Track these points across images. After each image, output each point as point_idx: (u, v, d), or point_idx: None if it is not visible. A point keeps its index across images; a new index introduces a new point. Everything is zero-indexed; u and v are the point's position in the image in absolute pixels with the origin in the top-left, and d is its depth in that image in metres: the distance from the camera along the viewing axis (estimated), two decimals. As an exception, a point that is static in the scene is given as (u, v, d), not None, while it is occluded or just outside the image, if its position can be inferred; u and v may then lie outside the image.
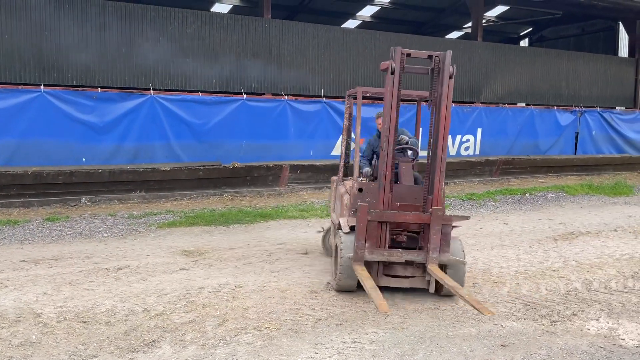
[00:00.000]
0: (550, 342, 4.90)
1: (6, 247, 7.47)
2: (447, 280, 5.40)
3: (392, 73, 5.67)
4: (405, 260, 5.54)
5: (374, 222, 5.54)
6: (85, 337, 4.61)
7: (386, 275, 5.70)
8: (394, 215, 5.59)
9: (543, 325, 5.32)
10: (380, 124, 6.50)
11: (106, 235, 8.19)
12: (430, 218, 5.50)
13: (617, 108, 18.13)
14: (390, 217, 5.58)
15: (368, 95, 7.09)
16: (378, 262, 5.62)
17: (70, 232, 8.19)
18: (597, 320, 5.51)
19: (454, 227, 5.72)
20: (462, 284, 5.62)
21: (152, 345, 4.50)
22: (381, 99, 6.06)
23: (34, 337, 4.59)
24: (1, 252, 7.19)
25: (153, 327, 4.83)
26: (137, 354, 4.34)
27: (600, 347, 4.86)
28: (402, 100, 6.07)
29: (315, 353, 4.46)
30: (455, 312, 5.45)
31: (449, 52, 5.67)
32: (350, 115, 7.11)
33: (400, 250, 5.60)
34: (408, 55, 5.73)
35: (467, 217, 5.61)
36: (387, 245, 5.64)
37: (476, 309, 4.87)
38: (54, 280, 6.03)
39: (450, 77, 5.64)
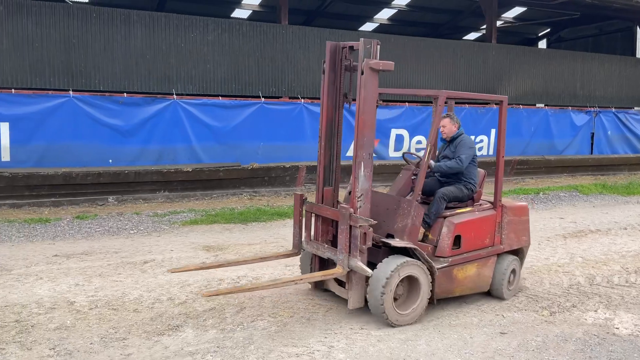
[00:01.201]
0: (547, 331, 5.21)
1: (39, 243, 7.97)
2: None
3: (324, 73, 5.49)
4: (327, 257, 5.35)
5: (309, 214, 5.61)
6: (115, 322, 5.05)
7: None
8: (319, 209, 5.49)
9: (542, 315, 5.63)
10: (441, 129, 6.10)
11: (132, 232, 8.66)
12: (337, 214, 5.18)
13: (635, 108, 18.17)
14: (317, 210, 5.52)
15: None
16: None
17: (98, 229, 8.68)
18: (595, 311, 5.80)
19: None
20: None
21: (176, 329, 4.92)
22: (413, 101, 6.25)
23: (68, 322, 5.04)
24: (35, 247, 7.69)
25: (177, 314, 5.25)
26: (162, 337, 4.77)
27: (594, 335, 5.16)
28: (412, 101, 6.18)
29: (325, 338, 4.84)
30: (459, 304, 5.77)
31: (365, 42, 5.04)
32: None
33: (326, 245, 5.45)
34: (349, 48, 5.38)
35: (372, 222, 5.00)
36: (326, 241, 5.51)
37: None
38: (84, 272, 6.50)
39: (373, 71, 5.01)
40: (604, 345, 4.93)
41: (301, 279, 5.31)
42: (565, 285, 6.64)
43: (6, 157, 9.96)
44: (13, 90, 10.15)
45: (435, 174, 6.04)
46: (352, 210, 5.02)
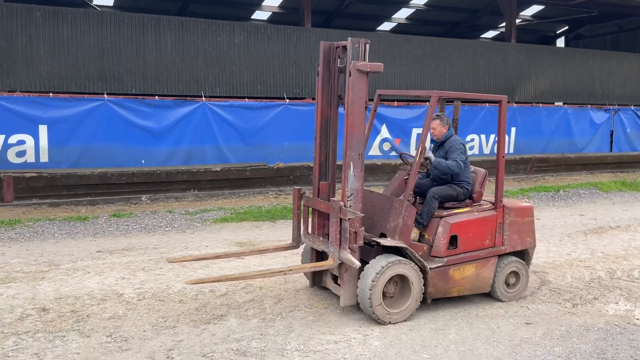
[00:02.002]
0: (570, 321, 5.48)
1: (81, 239, 8.39)
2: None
3: (318, 75, 5.54)
4: (321, 250, 5.49)
5: (307, 208, 5.75)
6: (163, 312, 5.42)
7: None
8: (315, 202, 5.61)
9: (565, 307, 5.89)
10: (431, 130, 6.17)
11: (167, 229, 9.06)
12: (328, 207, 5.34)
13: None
14: (312, 204, 5.65)
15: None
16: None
17: (135, 227, 9.09)
18: (616, 303, 6.05)
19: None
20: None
21: (220, 318, 5.28)
22: (408, 100, 6.39)
23: (120, 312, 5.42)
24: (78, 243, 8.12)
25: (219, 305, 5.61)
26: (209, 325, 5.12)
27: (616, 325, 5.42)
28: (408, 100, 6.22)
29: (360, 327, 5.16)
30: (485, 297, 6.04)
31: (353, 41, 5.12)
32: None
33: (321, 238, 5.55)
34: (342, 47, 5.41)
35: (360, 214, 5.13)
36: (322, 235, 5.61)
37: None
38: (128, 267, 6.89)
39: (361, 73, 5.08)
40: (625, 335, 5.18)
41: (290, 270, 5.49)
42: (587, 279, 6.88)
43: (45, 159, 10.42)
44: (51, 94, 10.61)
45: (430, 174, 6.08)
46: (342, 203, 5.12)
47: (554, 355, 4.70)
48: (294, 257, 7.32)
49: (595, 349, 4.84)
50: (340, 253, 5.15)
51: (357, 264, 5.07)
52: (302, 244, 5.91)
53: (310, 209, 5.77)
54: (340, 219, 5.12)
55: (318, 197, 5.65)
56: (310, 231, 5.77)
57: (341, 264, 5.26)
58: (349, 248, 5.07)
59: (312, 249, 5.80)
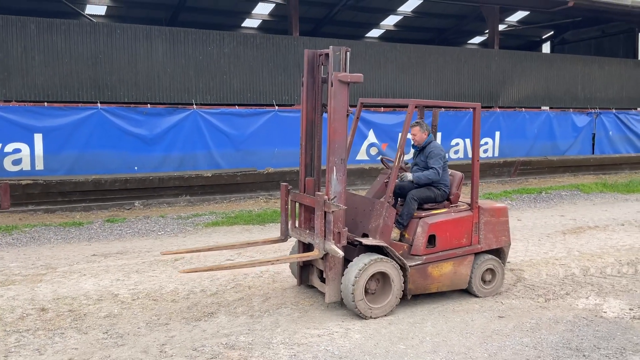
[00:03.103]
0: (541, 315, 5.82)
1: (76, 244, 8.67)
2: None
3: (303, 85, 5.85)
4: (308, 242, 5.77)
5: (294, 203, 6.07)
6: (156, 310, 5.72)
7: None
8: (301, 197, 5.91)
9: (538, 302, 6.24)
10: (412, 136, 6.52)
11: (160, 233, 9.35)
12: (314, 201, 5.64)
13: (638, 109, 18.66)
14: (299, 198, 5.95)
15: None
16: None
17: (129, 231, 9.38)
18: (586, 298, 6.39)
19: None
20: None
21: (211, 315, 5.59)
22: (390, 106, 6.67)
23: (115, 311, 5.72)
24: (73, 248, 8.40)
25: (210, 303, 5.92)
26: (200, 322, 5.43)
27: (584, 317, 5.76)
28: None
29: (342, 322, 5.48)
30: (462, 293, 6.37)
31: (335, 49, 5.40)
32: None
33: (307, 231, 5.84)
34: (325, 55, 5.67)
35: (343, 207, 5.46)
36: (308, 228, 5.89)
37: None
38: (122, 269, 7.18)
39: (342, 83, 5.38)
40: (591, 326, 5.53)
41: (278, 260, 5.85)
42: (561, 276, 7.23)
43: (40, 166, 10.70)
44: (45, 103, 10.90)
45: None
46: (326, 197, 5.43)
47: (522, 345, 5.03)
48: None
49: (561, 339, 5.18)
50: (325, 244, 5.47)
51: (341, 253, 5.40)
52: (290, 237, 6.22)
53: (297, 204, 6.09)
54: (325, 212, 5.44)
55: (304, 192, 5.97)
56: (297, 225, 6.10)
57: (326, 261, 5.58)
58: (333, 234, 5.39)
59: (299, 242, 6.11)
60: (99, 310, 5.72)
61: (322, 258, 5.68)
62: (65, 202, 10.59)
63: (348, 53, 5.49)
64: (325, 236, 5.47)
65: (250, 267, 5.97)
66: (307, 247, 6.00)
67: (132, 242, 8.74)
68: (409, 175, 6.17)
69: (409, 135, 6.41)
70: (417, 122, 6.49)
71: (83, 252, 8.09)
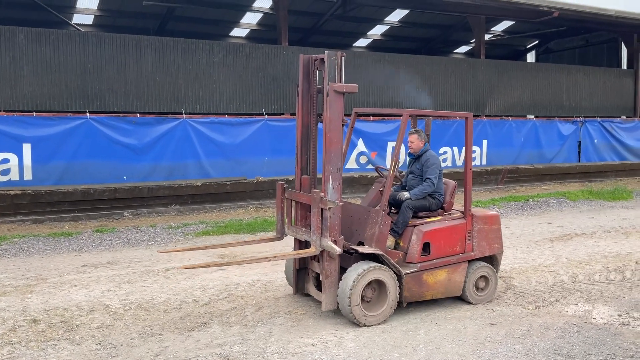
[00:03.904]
0: (532, 322, 5.89)
1: (66, 254, 8.62)
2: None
3: (298, 95, 5.92)
4: (304, 240, 5.84)
5: (290, 201, 6.12)
6: (149, 321, 5.71)
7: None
8: (297, 195, 5.98)
9: (528, 309, 6.31)
10: (409, 143, 6.60)
11: (150, 243, 9.32)
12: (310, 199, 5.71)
13: (622, 117, 18.94)
14: (295, 196, 6.02)
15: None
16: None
17: (118, 242, 9.33)
18: (575, 305, 6.48)
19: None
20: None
21: (204, 325, 5.59)
22: (384, 115, 6.70)
23: (108, 321, 5.70)
24: (63, 258, 8.34)
25: (203, 313, 5.91)
26: (193, 332, 5.43)
27: (574, 324, 5.84)
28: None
29: (336, 330, 5.51)
30: (453, 300, 6.43)
31: (330, 54, 5.47)
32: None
33: (304, 229, 5.90)
34: (320, 60, 5.74)
35: (339, 203, 5.54)
36: (304, 225, 5.93)
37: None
38: (113, 280, 7.15)
39: (338, 93, 5.48)
40: (581, 332, 5.60)
41: (275, 257, 5.84)
42: (550, 283, 7.31)
43: (29, 176, 10.62)
44: (34, 113, 10.83)
45: (404, 185, 6.54)
46: (322, 194, 5.49)
47: (514, 352, 5.09)
48: (274, 267, 7.67)
49: (552, 346, 5.24)
50: (321, 241, 5.52)
51: (338, 249, 5.48)
52: (286, 235, 6.24)
53: (293, 203, 6.12)
54: (321, 209, 5.50)
55: (300, 190, 6.02)
56: (293, 223, 6.13)
57: (323, 268, 5.62)
58: (329, 231, 5.43)
59: (295, 240, 6.15)
60: (91, 321, 5.69)
61: (317, 260, 5.73)
62: (54, 213, 10.51)
63: (343, 58, 5.57)
64: (321, 233, 5.52)
65: (248, 263, 5.95)
66: (303, 246, 6.02)
67: (122, 253, 8.70)
68: (406, 194, 6.22)
69: (404, 143, 6.49)
70: (415, 130, 6.59)
71: (73, 263, 8.04)
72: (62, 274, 7.43)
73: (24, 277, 7.27)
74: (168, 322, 5.69)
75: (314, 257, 6.03)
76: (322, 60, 5.64)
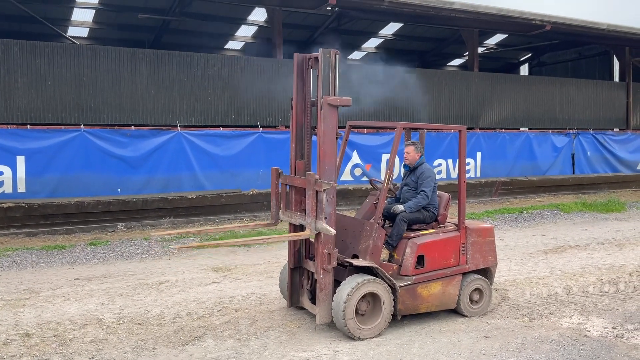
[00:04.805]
0: (526, 334, 5.88)
1: (59, 268, 8.57)
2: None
3: (292, 109, 5.96)
4: (299, 224, 5.80)
5: (285, 186, 6.11)
6: (142, 335, 5.67)
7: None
8: (292, 179, 5.95)
9: (523, 322, 6.30)
10: (405, 154, 6.62)
11: (144, 256, 9.28)
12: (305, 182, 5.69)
13: (614, 129, 19.08)
14: (290, 181, 5.99)
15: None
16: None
17: (112, 254, 9.30)
18: (570, 317, 6.48)
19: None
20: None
21: (198, 339, 5.56)
22: (378, 128, 6.65)
23: (101, 335, 5.66)
24: (56, 272, 8.30)
25: (197, 327, 5.88)
26: (187, 346, 5.40)
27: (568, 337, 5.83)
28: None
29: (330, 344, 5.49)
30: (448, 313, 6.42)
31: (324, 51, 5.45)
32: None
33: (299, 213, 5.87)
34: (314, 59, 5.75)
35: (334, 184, 5.53)
36: (299, 210, 5.91)
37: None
38: (107, 293, 7.11)
39: (332, 106, 5.49)
40: (576, 345, 5.60)
41: (269, 238, 5.85)
42: (545, 295, 7.31)
43: (22, 189, 10.59)
44: (28, 125, 10.82)
45: (399, 198, 6.55)
46: (317, 177, 5.46)
47: (509, 365, 5.08)
48: (269, 281, 7.65)
49: (547, 359, 5.24)
50: (316, 223, 5.48)
51: (333, 231, 5.44)
52: (281, 220, 6.19)
53: (287, 189, 6.10)
54: (316, 192, 5.47)
55: (295, 174, 5.99)
56: (287, 208, 6.10)
57: (316, 251, 5.58)
58: (324, 214, 5.41)
59: (290, 225, 6.09)
60: (84, 335, 5.65)
61: (312, 259, 5.72)
62: (47, 225, 10.47)
63: (337, 56, 5.57)
64: (316, 216, 5.47)
65: (242, 245, 5.91)
66: (297, 230, 5.97)
67: (115, 266, 8.66)
68: (400, 207, 6.22)
69: (398, 155, 6.52)
70: (412, 142, 6.62)
71: (66, 276, 7.99)
72: (55, 287, 7.38)
73: (16, 290, 7.22)
74: (162, 336, 5.65)
75: (308, 257, 6.05)
76: (316, 59, 5.63)
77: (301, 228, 5.82)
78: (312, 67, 5.94)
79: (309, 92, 6.05)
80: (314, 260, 5.83)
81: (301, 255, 6.17)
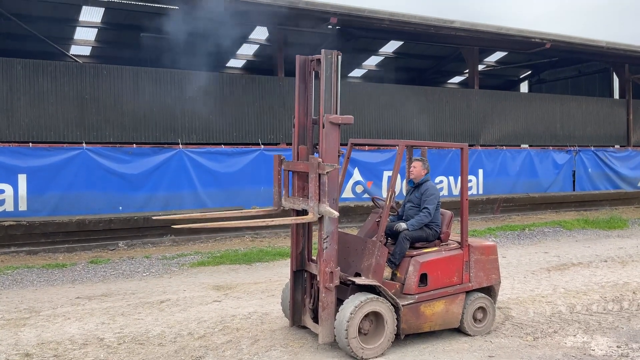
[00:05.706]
0: (531, 353, 5.83)
1: (59, 286, 8.53)
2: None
3: (294, 126, 5.96)
4: (302, 209, 5.75)
5: (287, 173, 6.02)
6: (143, 355, 5.63)
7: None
8: (294, 165, 5.88)
9: (527, 340, 6.25)
10: (411, 169, 6.65)
11: (145, 274, 9.24)
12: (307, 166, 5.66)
13: (615, 146, 19.10)
14: (292, 166, 5.92)
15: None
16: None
17: (113, 273, 9.25)
18: (574, 336, 6.42)
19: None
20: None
21: (198, 359, 5.50)
22: (381, 146, 6.66)
23: (102, 355, 5.61)
24: (57, 290, 8.25)
25: (198, 347, 5.83)
26: (188, 366, 5.35)
27: (573, 356, 5.78)
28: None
29: (333, 364, 5.44)
30: (451, 332, 6.37)
31: (326, 52, 5.48)
32: None
33: (301, 198, 5.84)
34: (316, 60, 5.76)
35: (337, 166, 5.50)
36: (302, 195, 5.88)
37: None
38: (107, 312, 7.06)
39: (333, 125, 5.52)
40: (581, 365, 5.55)
41: (272, 221, 5.71)
42: (548, 313, 7.26)
43: (23, 207, 10.59)
44: (30, 144, 10.86)
45: (401, 216, 6.54)
46: (320, 160, 5.44)
47: (513, 385, 5.02)
48: (270, 299, 7.61)
49: (552, 379, 5.19)
50: (319, 207, 5.44)
51: (336, 213, 5.42)
52: (283, 207, 6.11)
53: (290, 175, 6.03)
54: (319, 175, 5.44)
55: (297, 160, 5.95)
56: (290, 194, 6.05)
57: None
58: (327, 197, 5.39)
59: (292, 212, 6.02)
60: (85, 355, 5.60)
61: (314, 262, 5.68)
62: (48, 244, 10.45)
63: (339, 57, 5.59)
64: (319, 199, 5.44)
65: (244, 225, 5.88)
66: (300, 215, 5.88)
67: (116, 284, 8.62)
68: (403, 225, 6.20)
69: (400, 173, 6.51)
70: (421, 159, 6.62)
71: (67, 295, 7.95)
72: (56, 306, 7.34)
73: (17, 309, 7.18)
74: (163, 355, 5.61)
75: (310, 259, 6.02)
76: (319, 60, 5.65)
77: (304, 213, 5.77)
78: (314, 69, 5.96)
79: (311, 104, 6.03)
80: (316, 263, 5.80)
81: (304, 257, 6.14)
